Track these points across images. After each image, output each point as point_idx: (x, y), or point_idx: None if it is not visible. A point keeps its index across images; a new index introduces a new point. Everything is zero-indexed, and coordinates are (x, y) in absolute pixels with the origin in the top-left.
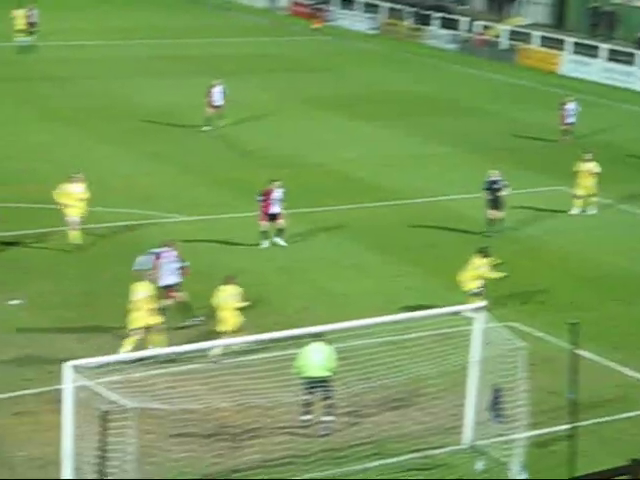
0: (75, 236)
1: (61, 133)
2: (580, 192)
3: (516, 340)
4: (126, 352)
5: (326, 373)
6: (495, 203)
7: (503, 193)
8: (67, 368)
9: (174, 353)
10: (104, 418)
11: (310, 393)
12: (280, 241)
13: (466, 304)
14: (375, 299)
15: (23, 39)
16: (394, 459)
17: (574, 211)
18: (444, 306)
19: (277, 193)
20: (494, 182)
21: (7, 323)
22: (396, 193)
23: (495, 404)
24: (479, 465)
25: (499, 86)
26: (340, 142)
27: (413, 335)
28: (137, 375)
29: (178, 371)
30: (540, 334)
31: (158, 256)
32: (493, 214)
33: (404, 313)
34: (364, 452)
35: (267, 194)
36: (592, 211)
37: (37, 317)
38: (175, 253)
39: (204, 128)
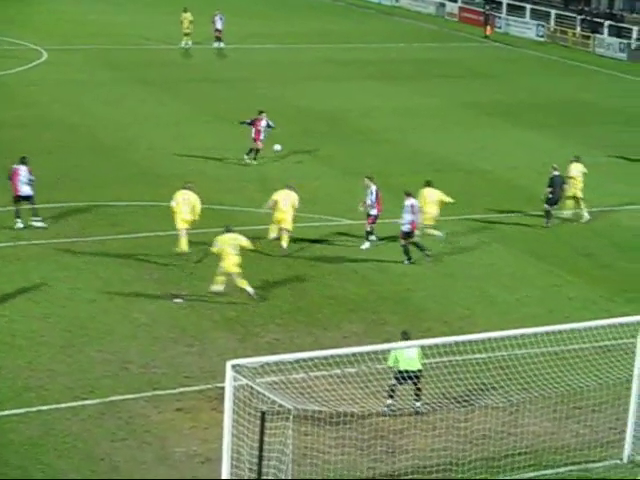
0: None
1: (229, 134)
2: None
3: None
4: None
5: (420, 366)
6: None
7: None
8: (228, 367)
9: (332, 355)
10: (263, 418)
11: (401, 383)
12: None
13: (628, 315)
14: (536, 308)
15: (185, 42)
16: (551, 471)
17: None
18: (606, 317)
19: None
20: None
21: (171, 321)
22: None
23: None
24: None
25: None
26: (504, 149)
27: (574, 346)
28: (296, 376)
29: (336, 374)
30: None
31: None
32: None
33: (565, 324)
34: (521, 462)
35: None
36: None
37: (200, 316)
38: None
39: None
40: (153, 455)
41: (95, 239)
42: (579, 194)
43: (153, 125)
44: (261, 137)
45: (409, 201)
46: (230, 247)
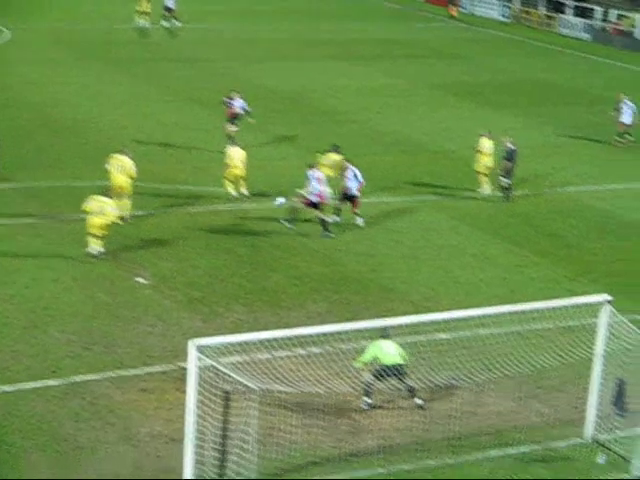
0: None
1: (191, 113)
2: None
3: None
4: None
5: (402, 361)
6: None
7: None
8: (192, 347)
9: (298, 335)
10: (227, 398)
11: (385, 379)
12: (360, 221)
13: (591, 295)
14: (499, 289)
15: (144, 22)
16: (514, 450)
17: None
18: (569, 297)
19: (351, 172)
20: None
21: (134, 301)
22: (523, 183)
23: (618, 398)
24: (601, 459)
25: (633, 76)
26: (469, 129)
27: (537, 326)
28: (261, 356)
29: (301, 354)
30: None
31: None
32: None
33: (528, 304)
34: (484, 441)
35: (344, 170)
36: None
37: (164, 296)
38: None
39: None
40: (117, 435)
41: (58, 219)
42: (487, 170)
43: (114, 104)
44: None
45: (314, 173)
46: (95, 207)
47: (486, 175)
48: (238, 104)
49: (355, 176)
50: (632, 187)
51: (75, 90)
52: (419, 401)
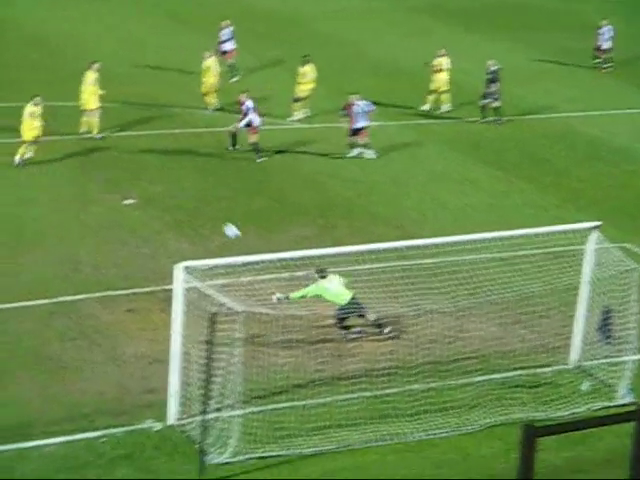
0: None
1: (175, 34)
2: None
3: (629, 261)
4: None
5: (352, 294)
6: None
7: None
8: (178, 269)
9: (284, 259)
10: (212, 320)
11: (349, 318)
12: (369, 154)
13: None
14: (487, 214)
15: None
16: (498, 375)
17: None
18: (557, 224)
19: (357, 107)
20: None
21: (122, 222)
22: (512, 108)
23: (604, 325)
24: (585, 386)
25: (624, 1)
26: (454, 53)
27: (524, 252)
28: (246, 279)
29: (285, 277)
30: None
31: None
32: None
33: (516, 229)
34: (468, 367)
35: (348, 108)
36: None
37: (151, 218)
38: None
39: None
40: (103, 355)
41: (43, 140)
42: (445, 87)
43: (102, 27)
44: (226, 48)
45: (246, 102)
46: (26, 113)
47: (433, 92)
48: (226, 35)
49: (361, 108)
50: (621, 112)
51: (59, 12)
52: (387, 331)
